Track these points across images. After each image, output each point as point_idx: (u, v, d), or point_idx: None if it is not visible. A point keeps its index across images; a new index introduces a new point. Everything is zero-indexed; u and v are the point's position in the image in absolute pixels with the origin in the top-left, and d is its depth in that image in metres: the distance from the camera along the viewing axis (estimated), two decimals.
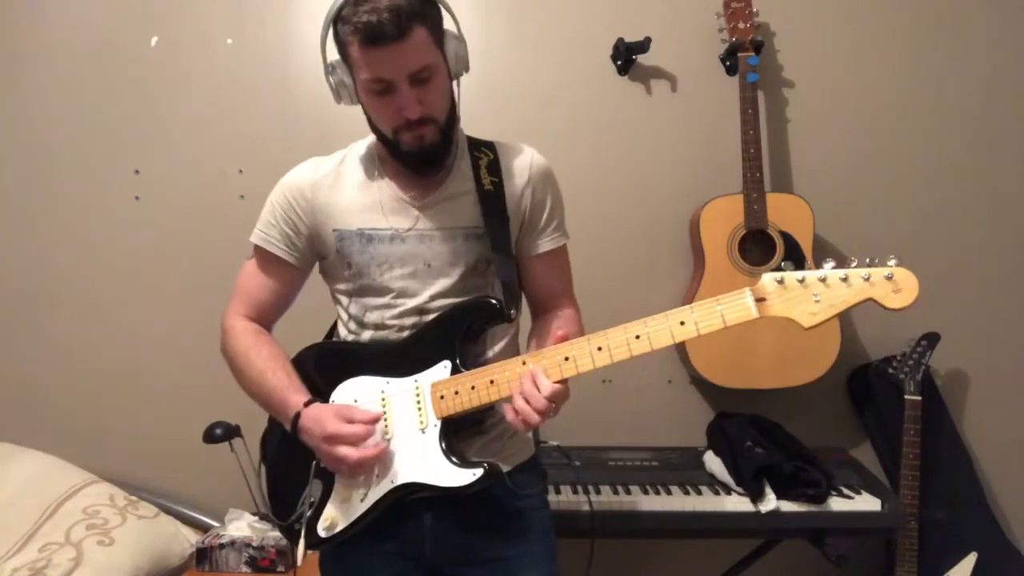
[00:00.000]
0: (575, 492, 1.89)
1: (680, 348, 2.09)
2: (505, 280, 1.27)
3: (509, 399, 1.15)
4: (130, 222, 2.34)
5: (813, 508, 1.83)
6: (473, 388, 1.18)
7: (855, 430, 2.28)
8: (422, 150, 1.21)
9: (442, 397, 1.20)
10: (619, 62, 2.23)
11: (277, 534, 2.03)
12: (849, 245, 2.23)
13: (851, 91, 2.23)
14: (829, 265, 1.06)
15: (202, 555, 2.00)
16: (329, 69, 1.23)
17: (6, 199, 2.36)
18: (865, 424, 2.26)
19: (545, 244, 1.33)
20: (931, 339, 2.06)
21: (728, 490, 1.91)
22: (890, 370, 2.07)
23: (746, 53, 2.06)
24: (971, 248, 2.23)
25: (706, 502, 1.87)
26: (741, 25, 2.07)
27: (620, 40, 2.19)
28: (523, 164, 1.32)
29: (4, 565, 1.88)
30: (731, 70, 2.17)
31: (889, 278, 1.02)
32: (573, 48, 2.25)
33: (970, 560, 2.00)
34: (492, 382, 1.18)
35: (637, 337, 1.11)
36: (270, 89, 2.31)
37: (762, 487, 1.84)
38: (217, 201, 2.32)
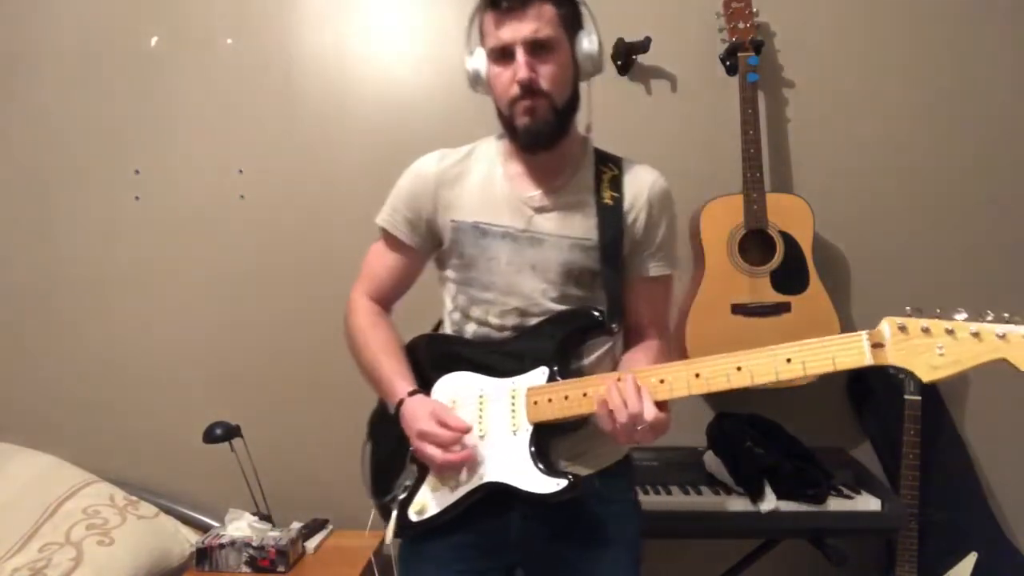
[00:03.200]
0: None
1: (680, 347, 2.09)
2: (611, 293, 1.28)
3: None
4: (130, 222, 2.34)
5: (813, 508, 1.83)
6: (566, 398, 1.19)
7: (855, 430, 2.28)
8: (533, 126, 1.23)
9: (536, 403, 1.22)
10: (619, 62, 2.22)
11: (277, 534, 2.03)
12: (849, 245, 2.23)
13: (851, 91, 2.23)
14: (961, 316, 0.96)
15: (202, 555, 1.99)
16: (468, 54, 1.29)
17: (6, 199, 2.37)
18: (865, 424, 2.26)
19: (653, 269, 1.33)
20: None
21: (728, 490, 1.91)
22: (890, 370, 2.06)
23: (746, 53, 2.06)
24: (971, 247, 2.23)
25: (706, 502, 1.87)
26: (741, 25, 2.07)
27: (620, 40, 2.19)
28: (644, 184, 1.31)
29: (4, 565, 1.88)
30: (731, 70, 2.17)
31: None
32: None
33: (970, 560, 1.99)
34: (585, 395, 1.17)
35: (738, 368, 1.06)
36: (270, 89, 2.31)
37: (762, 487, 1.84)
38: (217, 201, 2.32)
